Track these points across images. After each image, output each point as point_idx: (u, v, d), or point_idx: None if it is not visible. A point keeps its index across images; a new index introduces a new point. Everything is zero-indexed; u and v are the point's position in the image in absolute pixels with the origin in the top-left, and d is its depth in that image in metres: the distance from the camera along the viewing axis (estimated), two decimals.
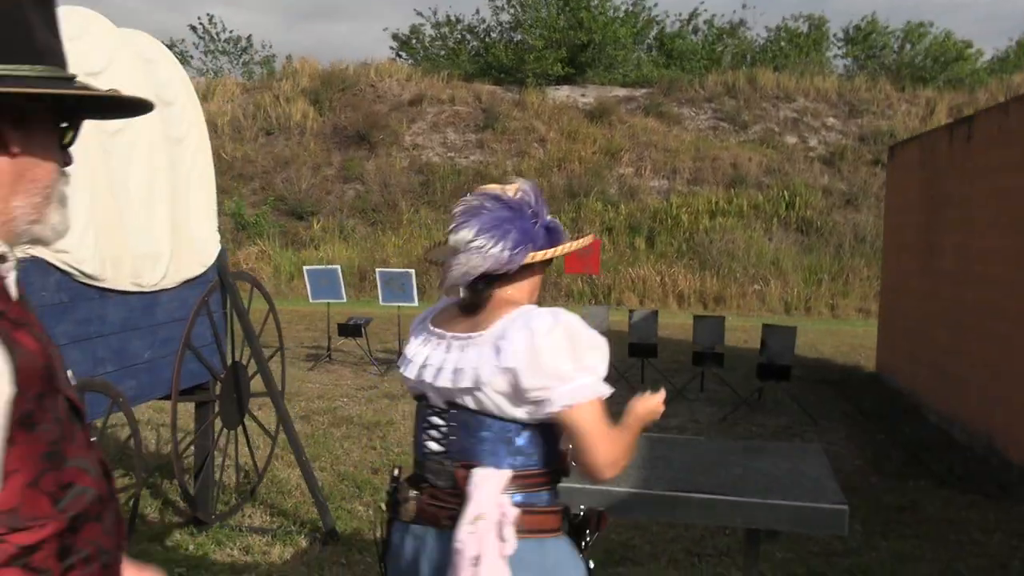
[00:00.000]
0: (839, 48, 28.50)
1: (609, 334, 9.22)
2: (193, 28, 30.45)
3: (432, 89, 24.52)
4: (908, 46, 26.62)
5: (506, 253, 1.91)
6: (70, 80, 1.16)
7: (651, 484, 2.76)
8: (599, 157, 22.63)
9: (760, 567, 4.39)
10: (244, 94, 25.13)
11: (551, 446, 1.97)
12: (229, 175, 22.86)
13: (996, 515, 5.24)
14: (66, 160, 1.21)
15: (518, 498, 1.91)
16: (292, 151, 23.29)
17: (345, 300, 10.97)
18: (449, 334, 2.01)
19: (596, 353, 1.92)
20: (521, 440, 1.94)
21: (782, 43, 27.56)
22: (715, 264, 19.38)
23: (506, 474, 1.92)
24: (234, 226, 21.16)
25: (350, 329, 10.11)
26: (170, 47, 26.96)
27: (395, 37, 29.88)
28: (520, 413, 1.92)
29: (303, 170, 22.76)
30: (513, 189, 2.03)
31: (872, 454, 6.73)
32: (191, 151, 4.77)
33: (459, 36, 28.58)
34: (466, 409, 1.95)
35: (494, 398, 1.91)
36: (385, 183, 22.40)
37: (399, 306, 10.36)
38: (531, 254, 1.95)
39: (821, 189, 21.26)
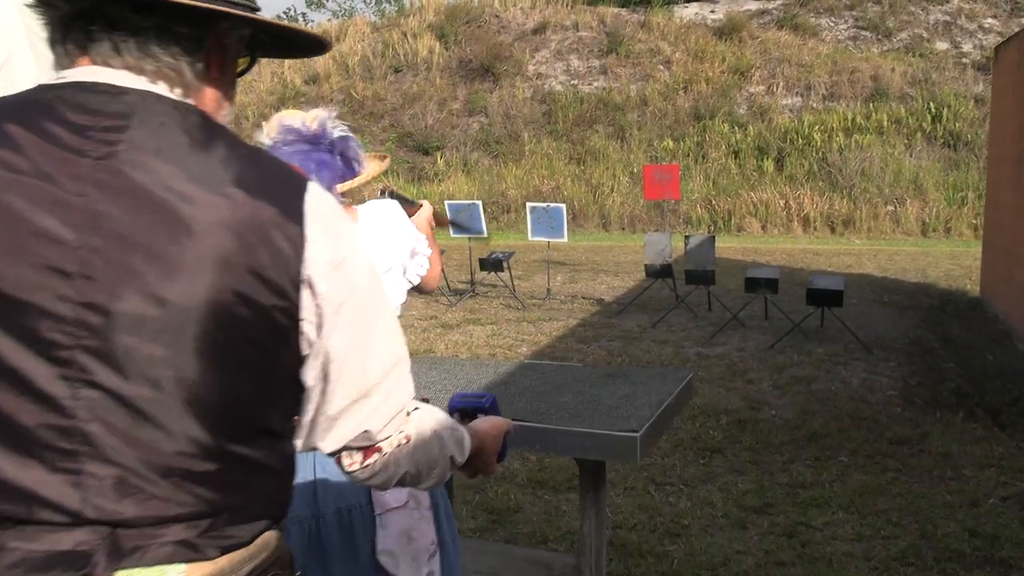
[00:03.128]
0: None
1: (676, 263, 8.97)
2: None
3: (556, 16, 24.16)
4: None
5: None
6: (256, 11, 1.16)
7: None
8: (727, 77, 21.65)
9: (706, 493, 4.27)
10: (374, 33, 25.68)
11: None
12: (360, 113, 23.60)
13: (1007, 450, 4.80)
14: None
15: None
16: (419, 87, 23.69)
17: (486, 235, 10.40)
18: None
19: None
20: None
21: None
22: (847, 185, 18.25)
23: None
24: None
25: (492, 264, 9.80)
26: None
27: None
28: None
29: (429, 105, 23.15)
30: (312, 118, 2.06)
31: (916, 385, 6.29)
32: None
33: None
34: None
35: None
36: (508, 114, 22.43)
37: (549, 240, 9.96)
38: (336, 187, 2.02)
39: (973, 99, 19.44)
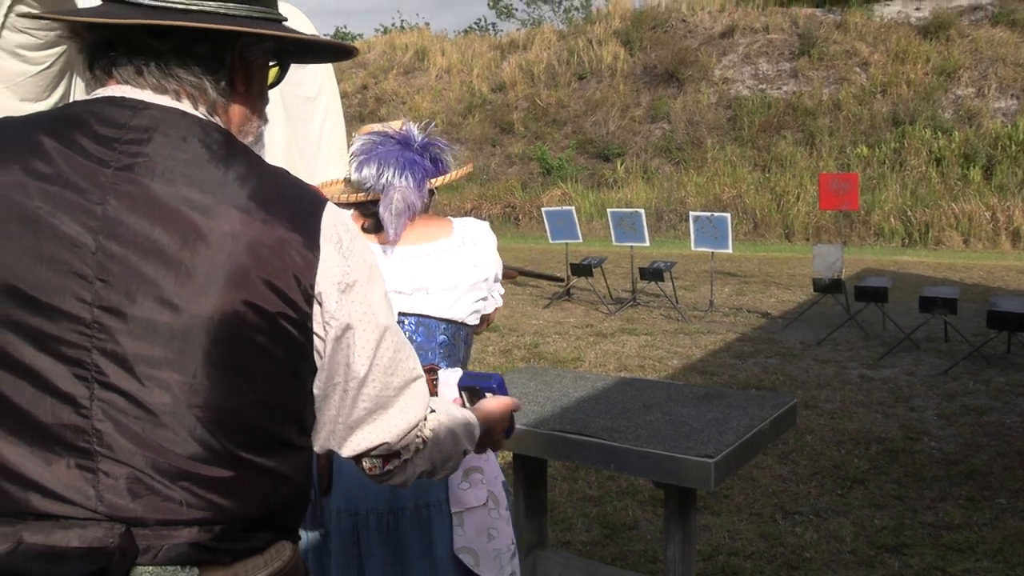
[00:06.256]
0: None
1: (848, 280, 8.48)
2: None
3: (745, 19, 23.41)
4: None
5: (412, 184, 2.09)
6: (281, 22, 1.21)
7: (548, 423, 2.73)
8: (931, 79, 20.16)
9: (830, 527, 4.00)
10: (559, 41, 25.93)
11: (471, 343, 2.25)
12: (543, 120, 23.93)
13: None
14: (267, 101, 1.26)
15: None
16: (602, 94, 23.67)
17: (648, 244, 10.40)
18: (397, 249, 2.13)
19: None
20: (463, 339, 2.17)
21: None
22: None
23: (458, 372, 2.13)
24: (540, 170, 22.21)
25: (652, 273, 9.65)
26: (495, 1, 28.33)
27: None
28: (472, 312, 2.14)
29: (611, 112, 23.10)
30: (397, 125, 2.19)
31: None
32: (323, 108, 5.28)
33: None
34: (424, 316, 2.11)
35: (465, 298, 2.12)
36: (691, 120, 21.99)
37: (712, 251, 9.69)
38: (428, 181, 2.13)
39: None
